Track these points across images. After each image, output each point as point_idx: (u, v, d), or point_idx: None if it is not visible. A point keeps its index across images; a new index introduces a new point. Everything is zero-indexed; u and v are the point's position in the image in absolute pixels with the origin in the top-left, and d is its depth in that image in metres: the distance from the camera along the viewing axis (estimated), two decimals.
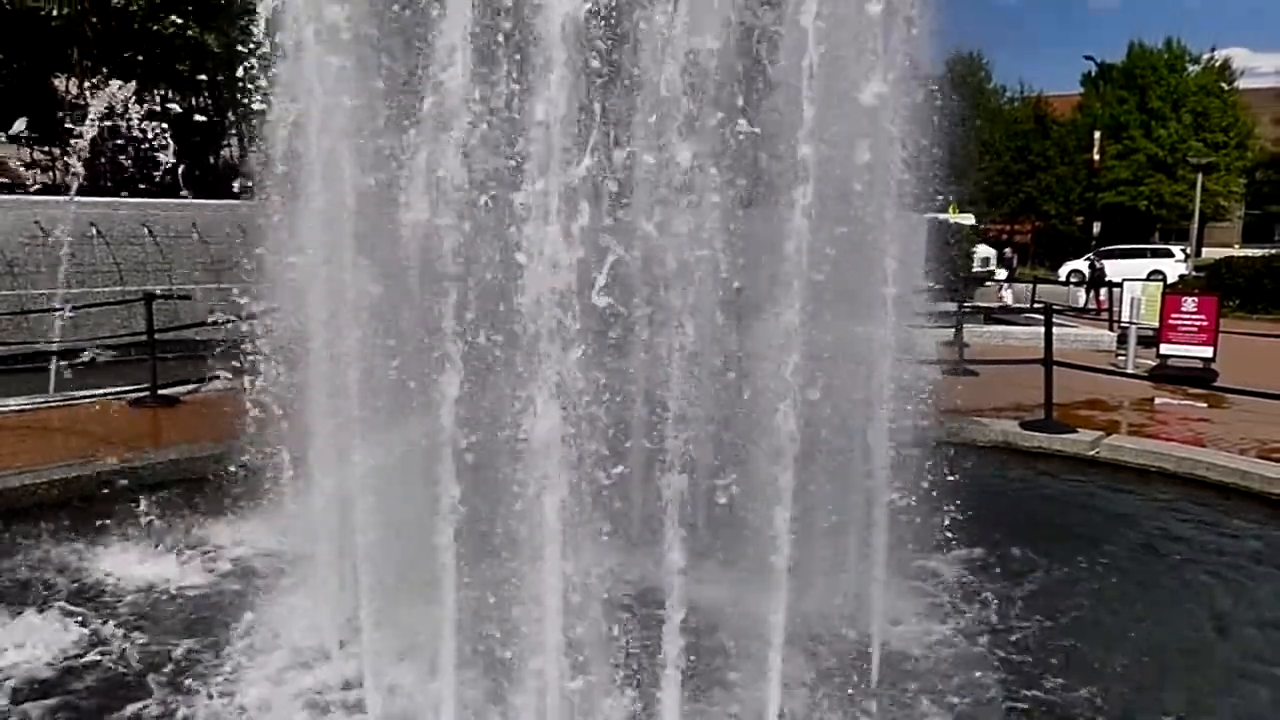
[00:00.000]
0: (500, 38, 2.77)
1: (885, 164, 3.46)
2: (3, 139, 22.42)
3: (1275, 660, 4.08)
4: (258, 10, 3.54)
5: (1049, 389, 7.97)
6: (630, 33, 3.22)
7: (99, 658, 3.85)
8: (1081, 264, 32.26)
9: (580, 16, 2.64)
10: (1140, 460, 7.15)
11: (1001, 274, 25.64)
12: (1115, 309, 15.66)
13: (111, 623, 4.15)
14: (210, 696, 3.51)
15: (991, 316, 17.22)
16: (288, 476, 4.14)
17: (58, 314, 9.85)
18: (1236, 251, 32.29)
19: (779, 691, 3.15)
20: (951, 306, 12.56)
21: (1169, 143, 45.58)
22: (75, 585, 4.59)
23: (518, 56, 2.75)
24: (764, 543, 3.07)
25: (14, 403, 8.41)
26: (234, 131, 23.79)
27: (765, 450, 3.07)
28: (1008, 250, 30.37)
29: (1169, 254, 35.66)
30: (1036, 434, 7.72)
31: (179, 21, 21.06)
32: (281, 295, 3.92)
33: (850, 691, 3.50)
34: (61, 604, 4.32)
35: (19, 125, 20.59)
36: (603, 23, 2.74)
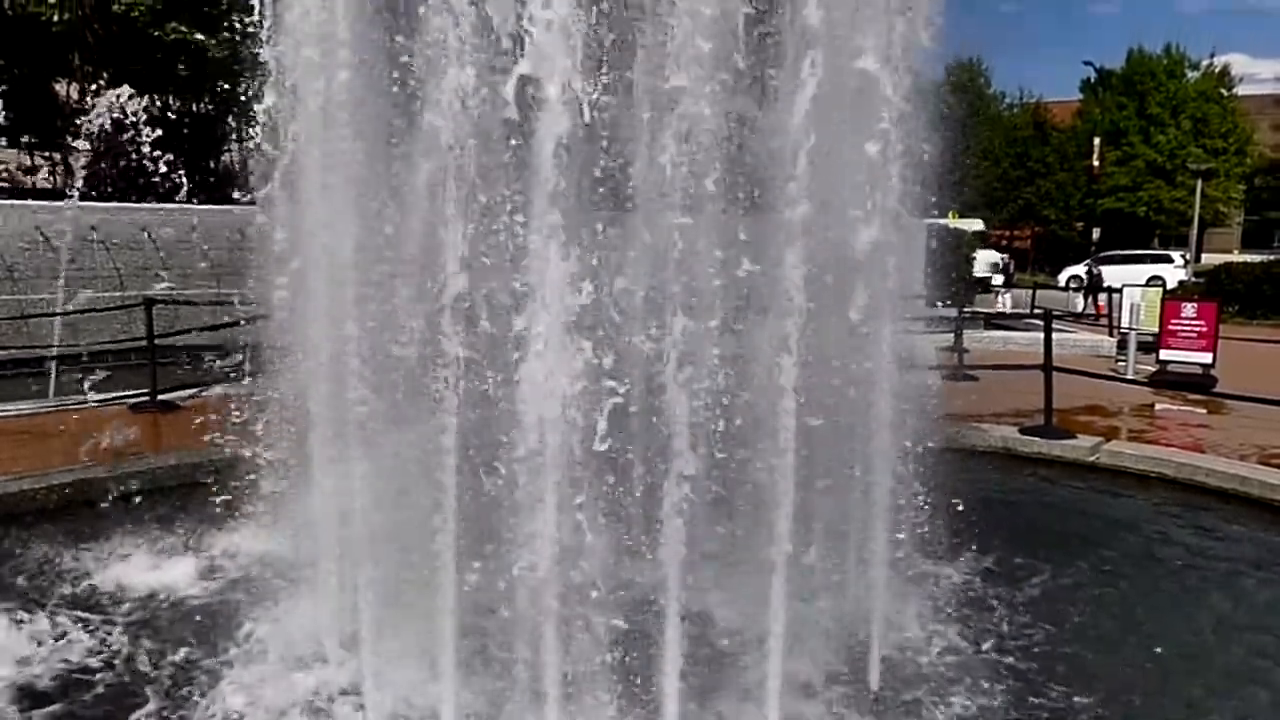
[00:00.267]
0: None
1: (885, 167, 3.47)
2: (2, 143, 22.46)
3: (1276, 664, 4.08)
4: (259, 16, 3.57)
5: (1049, 394, 7.98)
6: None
7: (96, 663, 3.84)
8: (1081, 270, 32.28)
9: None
10: (1140, 466, 7.15)
11: (998, 280, 25.67)
12: (1115, 314, 15.66)
13: (110, 629, 4.14)
14: (209, 703, 3.50)
15: (991, 322, 17.24)
16: (287, 481, 4.14)
17: (59, 315, 9.86)
18: (1236, 257, 32.28)
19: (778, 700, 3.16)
20: (951, 312, 12.57)
21: (1168, 149, 45.65)
22: (74, 590, 4.59)
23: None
24: (762, 547, 3.07)
25: (14, 407, 8.42)
26: (235, 136, 23.84)
27: (763, 457, 3.08)
28: (1004, 256, 30.43)
29: (1168, 260, 35.66)
30: (1036, 439, 7.72)
31: (181, 28, 21.10)
32: (281, 300, 3.92)
33: (850, 695, 3.50)
34: (60, 609, 4.31)
35: None
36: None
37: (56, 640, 4.02)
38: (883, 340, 3.60)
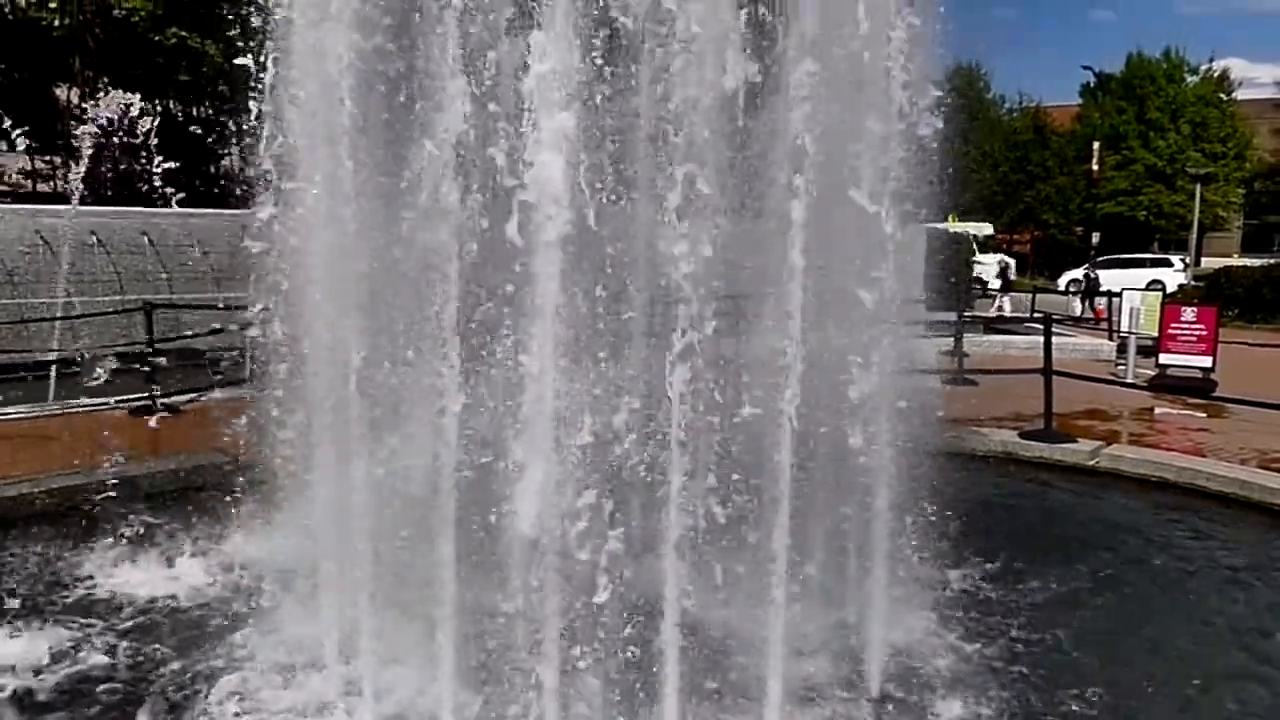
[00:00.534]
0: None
1: (885, 172, 3.47)
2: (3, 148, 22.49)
3: (1276, 667, 4.09)
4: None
5: (1048, 399, 7.97)
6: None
7: (93, 669, 3.84)
8: (1080, 274, 32.27)
9: None
10: (1140, 470, 7.14)
11: (995, 283, 25.66)
12: (1115, 319, 15.66)
13: (109, 634, 4.14)
14: (207, 709, 3.49)
15: (991, 326, 17.22)
16: (286, 485, 4.13)
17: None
18: (1235, 261, 32.30)
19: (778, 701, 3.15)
20: (951, 315, 12.57)
21: (1168, 153, 45.65)
22: (73, 595, 4.57)
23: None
24: (761, 553, 3.07)
25: (14, 411, 8.42)
26: (235, 141, 23.85)
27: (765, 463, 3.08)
28: (1002, 258, 30.39)
29: (1168, 264, 35.65)
30: (1036, 444, 7.71)
31: (181, 33, 21.14)
32: (279, 304, 3.92)
33: (850, 699, 3.50)
34: (59, 614, 4.31)
35: None
36: None
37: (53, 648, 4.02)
38: (883, 343, 3.60)
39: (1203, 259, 40.85)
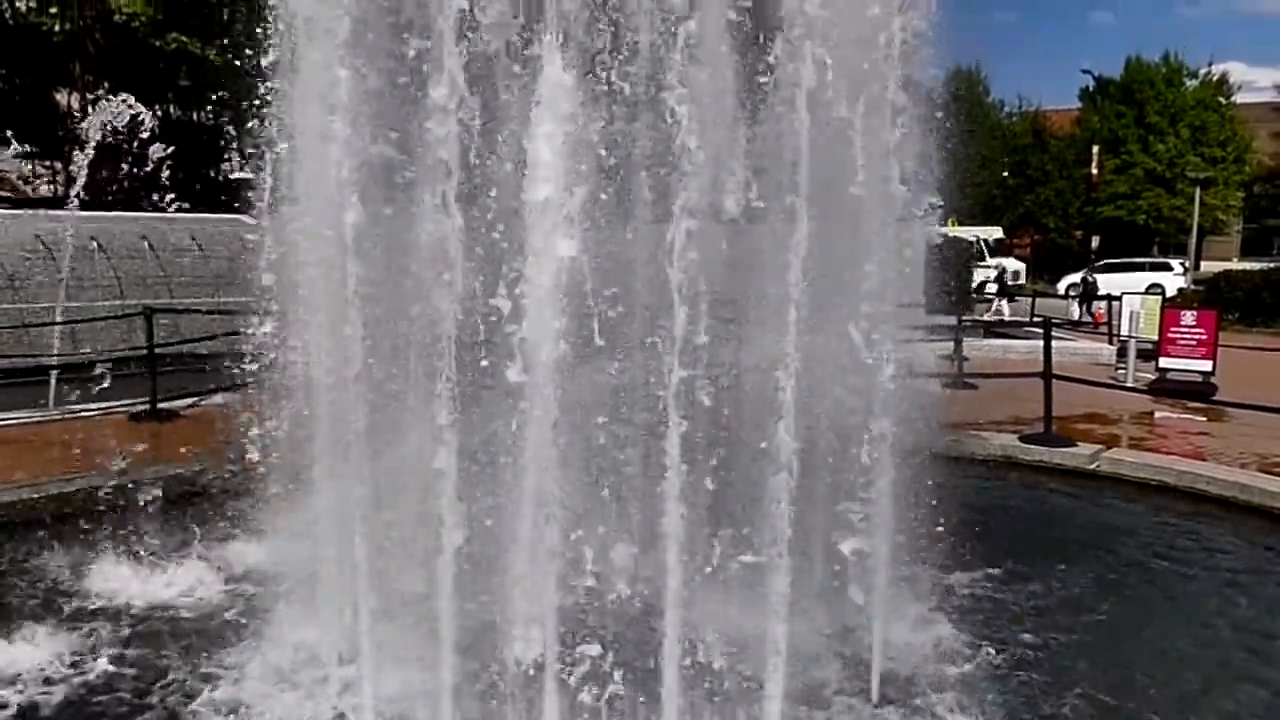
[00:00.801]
0: None
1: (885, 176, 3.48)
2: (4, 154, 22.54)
3: (1276, 668, 4.09)
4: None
5: (1048, 402, 7.97)
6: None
7: (91, 675, 3.84)
8: (1079, 278, 32.29)
9: None
10: (1140, 474, 7.14)
11: (993, 286, 25.69)
12: (1115, 322, 15.67)
13: (107, 639, 4.13)
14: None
15: (991, 330, 17.23)
16: (286, 490, 4.13)
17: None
18: (1235, 265, 32.32)
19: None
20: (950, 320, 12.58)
21: (1167, 157, 45.68)
22: (72, 599, 4.57)
23: None
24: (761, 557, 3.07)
25: (13, 416, 8.41)
26: (235, 145, 23.87)
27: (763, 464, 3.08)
28: (1000, 261, 30.44)
29: (1168, 267, 35.69)
30: (1036, 447, 7.71)
31: (181, 38, 21.18)
32: (279, 310, 3.92)
33: (851, 702, 3.49)
34: (58, 619, 4.30)
35: None
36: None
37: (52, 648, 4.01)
38: (884, 347, 3.60)
39: (1202, 263, 40.86)
